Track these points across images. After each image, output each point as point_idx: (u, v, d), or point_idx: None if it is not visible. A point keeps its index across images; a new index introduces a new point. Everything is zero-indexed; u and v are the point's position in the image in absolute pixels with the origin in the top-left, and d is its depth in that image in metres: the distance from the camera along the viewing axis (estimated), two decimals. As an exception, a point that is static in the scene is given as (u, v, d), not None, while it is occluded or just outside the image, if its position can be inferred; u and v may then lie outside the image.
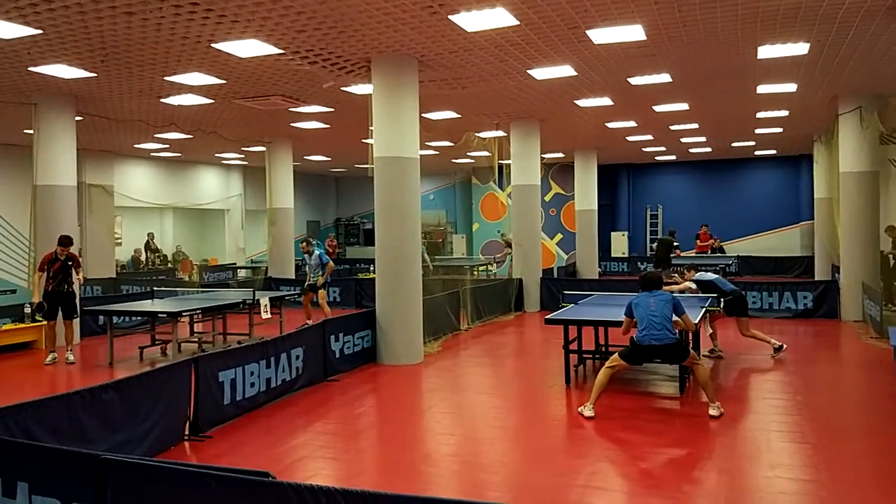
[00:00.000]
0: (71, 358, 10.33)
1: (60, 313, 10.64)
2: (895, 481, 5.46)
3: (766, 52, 9.96)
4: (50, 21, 8.12)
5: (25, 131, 14.11)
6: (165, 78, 11.00)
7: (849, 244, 13.62)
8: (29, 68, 10.24)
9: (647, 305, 7.42)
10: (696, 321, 8.23)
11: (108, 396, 5.72)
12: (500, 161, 17.26)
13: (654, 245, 20.85)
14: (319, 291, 13.28)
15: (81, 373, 9.86)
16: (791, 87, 12.60)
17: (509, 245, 23.15)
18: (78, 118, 12.98)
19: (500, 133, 16.57)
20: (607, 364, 7.44)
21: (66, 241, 10.45)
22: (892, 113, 13.51)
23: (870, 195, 13.48)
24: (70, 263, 10.53)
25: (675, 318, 7.40)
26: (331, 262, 13.43)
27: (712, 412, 7.17)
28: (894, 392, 8.11)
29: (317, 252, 13.27)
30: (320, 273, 13.25)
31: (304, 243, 13.50)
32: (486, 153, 18.97)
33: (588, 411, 7.26)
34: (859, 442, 6.49)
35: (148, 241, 23.55)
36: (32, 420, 5.03)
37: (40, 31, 8.50)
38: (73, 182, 12.47)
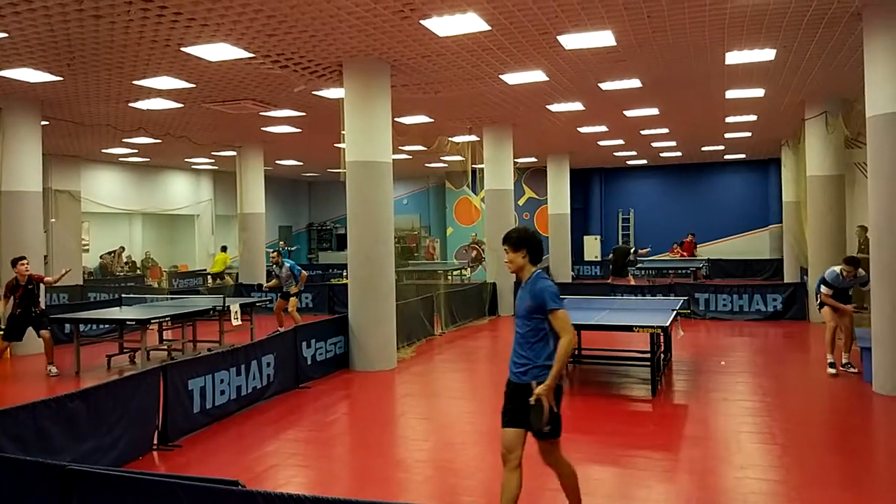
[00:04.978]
0: (54, 371, 10.09)
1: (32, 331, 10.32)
2: (862, 481, 5.55)
3: (733, 57, 10.11)
4: (15, 24, 7.98)
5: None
6: (134, 82, 10.87)
7: (816, 247, 13.81)
8: (-7, 72, 10.08)
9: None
10: (668, 324, 8.24)
11: (75, 405, 5.62)
12: (474, 165, 17.32)
13: (611, 254, 20.81)
14: (290, 299, 13.18)
15: (47, 382, 9.67)
16: (759, 93, 12.79)
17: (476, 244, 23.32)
18: (44, 122, 12.77)
19: (473, 137, 16.61)
20: None
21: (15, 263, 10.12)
22: (856, 117, 13.73)
23: (836, 198, 13.69)
24: (31, 287, 10.20)
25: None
26: (304, 272, 13.41)
27: None
28: (862, 393, 8.24)
29: (287, 264, 13.23)
30: (293, 283, 13.19)
31: (275, 254, 13.43)
32: (459, 157, 19.01)
33: None
34: (827, 442, 6.60)
35: (116, 252, 23.11)
36: (-4, 430, 4.92)
37: (5, 35, 8.35)
38: (38, 188, 12.26)
